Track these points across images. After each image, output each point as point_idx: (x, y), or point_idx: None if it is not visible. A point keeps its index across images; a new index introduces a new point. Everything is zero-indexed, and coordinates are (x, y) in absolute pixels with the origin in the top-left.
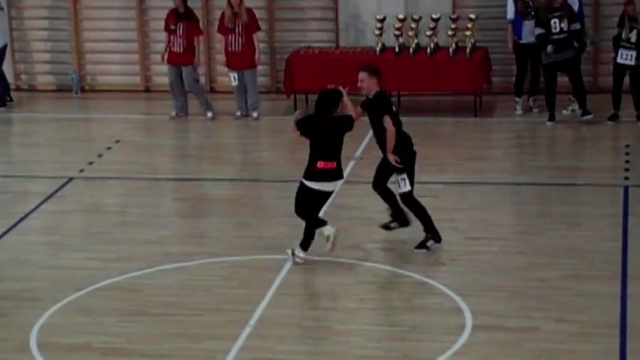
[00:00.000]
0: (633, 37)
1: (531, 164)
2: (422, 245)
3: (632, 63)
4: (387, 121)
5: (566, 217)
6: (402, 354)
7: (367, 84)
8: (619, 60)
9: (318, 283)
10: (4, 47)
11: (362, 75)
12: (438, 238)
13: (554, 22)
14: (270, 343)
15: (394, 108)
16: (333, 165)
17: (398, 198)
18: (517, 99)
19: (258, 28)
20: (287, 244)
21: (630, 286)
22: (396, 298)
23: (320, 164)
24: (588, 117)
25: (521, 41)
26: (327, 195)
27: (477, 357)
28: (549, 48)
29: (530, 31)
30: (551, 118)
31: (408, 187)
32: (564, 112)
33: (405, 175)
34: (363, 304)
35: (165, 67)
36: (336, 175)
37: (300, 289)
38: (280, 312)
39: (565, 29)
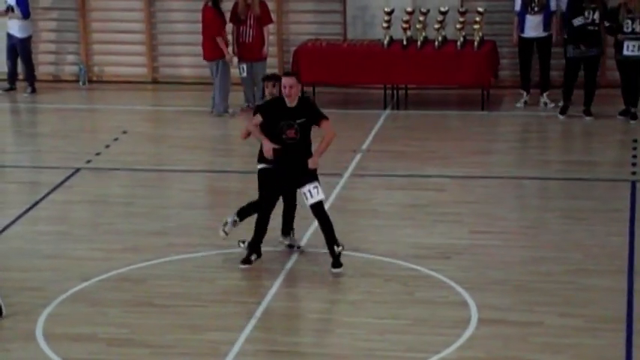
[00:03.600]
0: (637, 28)
1: (538, 158)
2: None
3: (639, 54)
4: (329, 125)
5: (571, 212)
6: (407, 347)
7: (296, 90)
8: (625, 52)
9: (323, 276)
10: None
11: (291, 81)
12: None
13: (588, 14)
14: (275, 335)
15: None
16: None
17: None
18: (521, 91)
19: (270, 21)
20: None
21: (636, 280)
22: (400, 291)
23: None
24: (589, 118)
25: (523, 35)
26: None
27: (481, 351)
28: (582, 47)
29: (532, 26)
30: (563, 112)
31: (322, 196)
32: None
33: (317, 183)
34: (367, 296)
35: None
36: None
37: (305, 282)
38: (285, 304)
39: (597, 21)
